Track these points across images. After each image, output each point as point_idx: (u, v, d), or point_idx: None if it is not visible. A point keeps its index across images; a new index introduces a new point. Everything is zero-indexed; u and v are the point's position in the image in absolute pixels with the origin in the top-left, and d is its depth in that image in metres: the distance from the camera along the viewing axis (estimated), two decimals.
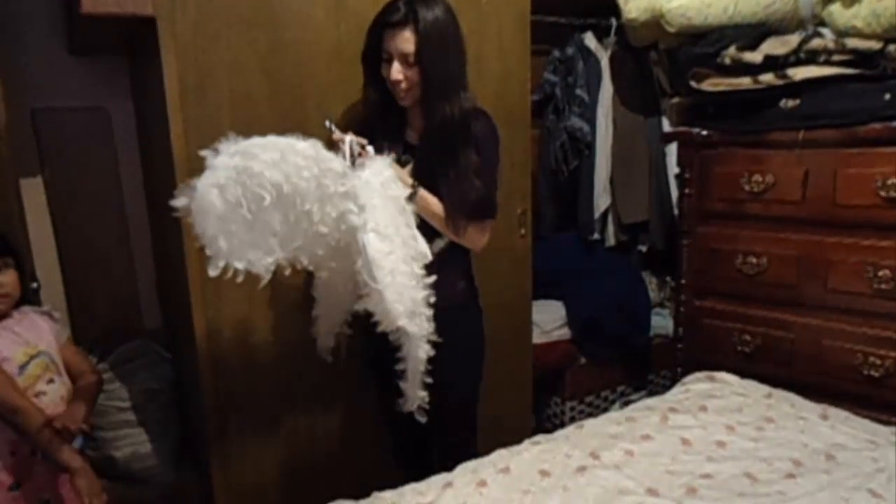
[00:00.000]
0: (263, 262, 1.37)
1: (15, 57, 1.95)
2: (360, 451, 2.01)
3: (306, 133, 1.71)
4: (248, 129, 1.65)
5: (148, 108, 1.92)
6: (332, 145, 1.51)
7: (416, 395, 1.57)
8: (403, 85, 1.56)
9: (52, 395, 1.65)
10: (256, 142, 1.34)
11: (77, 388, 1.74)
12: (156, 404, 2.19)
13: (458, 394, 1.78)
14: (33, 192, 2.07)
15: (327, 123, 1.57)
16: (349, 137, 1.53)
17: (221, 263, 1.34)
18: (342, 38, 1.76)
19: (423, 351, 1.52)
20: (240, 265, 1.35)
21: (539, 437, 1.66)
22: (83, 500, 1.59)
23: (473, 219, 1.64)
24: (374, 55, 1.59)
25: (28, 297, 1.76)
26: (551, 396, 2.82)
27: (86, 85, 2.11)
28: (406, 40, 1.51)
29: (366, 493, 1.43)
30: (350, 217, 1.42)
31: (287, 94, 1.73)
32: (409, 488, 1.46)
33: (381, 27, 1.55)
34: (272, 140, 1.36)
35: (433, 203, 1.61)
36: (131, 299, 2.33)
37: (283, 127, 1.68)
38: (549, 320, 2.70)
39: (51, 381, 1.66)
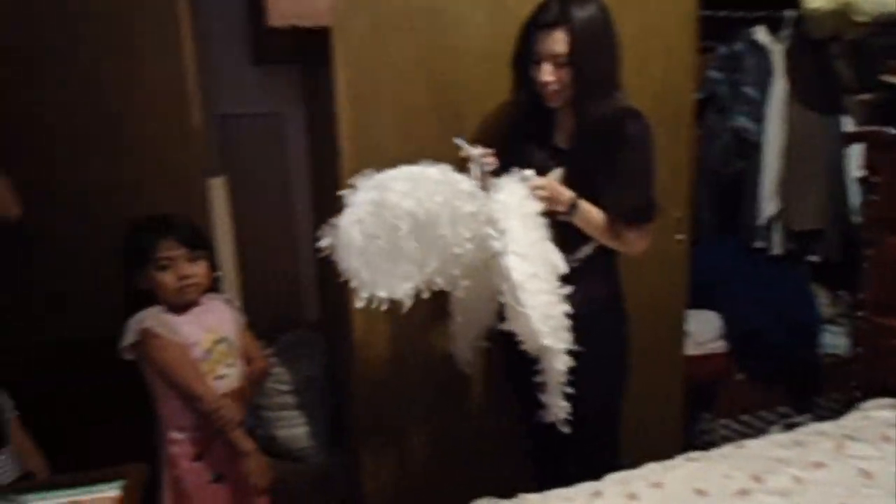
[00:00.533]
0: (402, 287, 1.42)
1: (209, 68, 2.16)
2: (503, 454, 2.02)
3: (462, 133, 1.77)
4: (409, 133, 1.75)
5: (318, 112, 2.06)
6: (464, 162, 1.52)
7: (556, 406, 1.54)
8: (554, 87, 1.53)
9: (230, 378, 1.78)
10: (390, 174, 1.41)
11: (248, 373, 1.84)
12: (313, 391, 2.34)
13: (599, 402, 1.71)
14: (218, 191, 2.29)
15: (457, 141, 1.56)
16: (477, 152, 1.52)
17: (365, 294, 1.41)
18: (499, 40, 1.76)
19: (563, 363, 1.48)
20: (382, 294, 1.41)
21: (695, 454, 1.58)
22: (250, 480, 1.75)
23: (633, 223, 1.58)
24: (525, 57, 1.57)
25: (215, 286, 1.94)
26: (702, 412, 2.66)
27: (265, 92, 2.30)
28: (558, 41, 1.48)
29: (507, 496, 1.43)
30: (491, 243, 1.42)
31: (446, 97, 1.78)
32: (556, 493, 1.44)
33: (533, 28, 1.53)
34: (404, 170, 1.42)
35: (593, 213, 1.56)
36: (295, 292, 2.51)
37: (442, 130, 1.76)
38: (704, 331, 2.55)
39: (230, 364, 1.80)
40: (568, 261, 1.52)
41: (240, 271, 2.42)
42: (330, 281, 2.27)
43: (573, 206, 1.53)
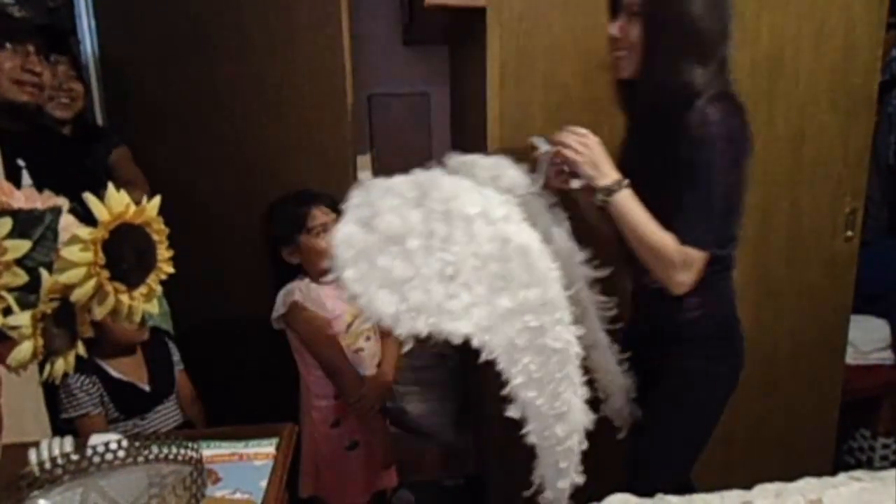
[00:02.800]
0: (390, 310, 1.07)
1: (361, 49, 2.23)
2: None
3: (613, 116, 1.69)
4: (558, 114, 1.71)
5: (465, 92, 2.06)
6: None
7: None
8: (620, 44, 1.25)
9: (368, 352, 1.86)
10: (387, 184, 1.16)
11: (385, 352, 1.89)
12: (444, 368, 2.37)
13: (667, 436, 1.46)
14: (363, 167, 2.36)
15: (532, 139, 1.34)
16: (546, 147, 1.30)
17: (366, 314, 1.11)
18: None
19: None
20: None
21: (859, 473, 1.43)
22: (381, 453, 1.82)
23: (687, 242, 1.22)
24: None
25: None
26: (858, 428, 2.43)
27: (413, 72, 2.34)
28: None
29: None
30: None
31: (597, 76, 1.71)
32: (700, 498, 1.37)
33: None
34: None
35: (636, 210, 1.23)
36: None
37: (593, 113, 1.70)
38: (868, 340, 2.32)
39: (368, 338, 1.87)
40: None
41: None
42: None
43: (616, 187, 1.23)
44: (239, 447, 1.21)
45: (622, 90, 1.37)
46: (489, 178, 1.24)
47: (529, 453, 1.91)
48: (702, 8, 1.18)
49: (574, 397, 1.21)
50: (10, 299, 0.68)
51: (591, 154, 1.24)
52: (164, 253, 0.83)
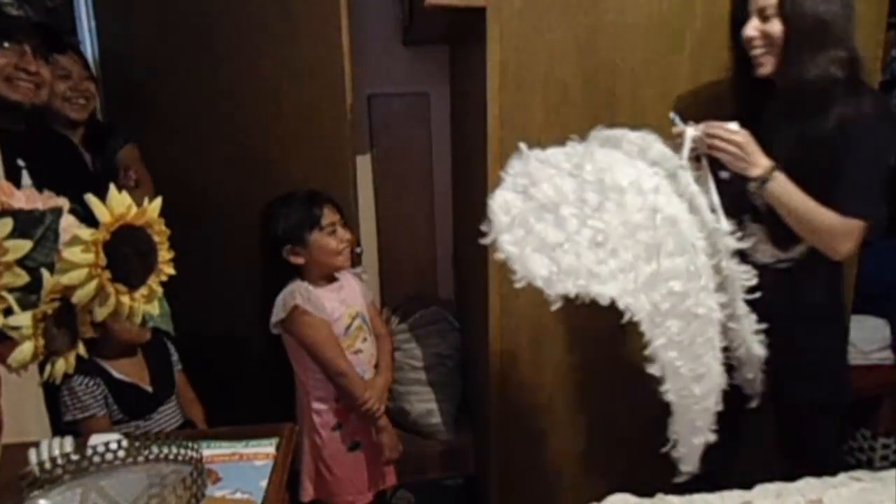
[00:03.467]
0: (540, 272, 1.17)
1: (360, 49, 2.22)
2: (642, 447, 1.95)
3: (613, 116, 1.69)
4: (558, 114, 1.71)
5: (465, 92, 2.06)
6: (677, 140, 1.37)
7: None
8: (757, 43, 1.36)
9: (366, 353, 1.85)
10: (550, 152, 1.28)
11: (381, 353, 1.90)
12: (443, 368, 2.37)
13: (805, 414, 1.57)
14: (363, 168, 2.36)
15: (672, 115, 1.42)
16: (691, 131, 1.36)
17: (520, 277, 1.19)
18: (663, 19, 1.68)
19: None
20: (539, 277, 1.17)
21: (859, 473, 1.43)
22: (384, 451, 1.81)
23: (848, 213, 1.33)
24: (737, 18, 1.42)
25: (355, 259, 2.02)
26: (858, 428, 2.43)
27: (413, 72, 2.34)
28: None
29: (642, 492, 1.38)
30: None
31: (598, 77, 1.71)
32: (701, 497, 1.37)
33: None
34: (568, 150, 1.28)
35: (792, 191, 1.33)
36: (430, 270, 2.55)
37: (592, 112, 1.70)
38: (868, 340, 2.32)
39: (364, 339, 1.87)
40: (776, 260, 1.39)
41: (379, 247, 2.49)
42: (466, 260, 2.30)
43: (769, 174, 1.33)
44: (239, 447, 1.21)
45: (745, 85, 1.47)
46: (637, 152, 1.29)
47: (530, 455, 1.93)
48: (832, 5, 1.30)
49: (713, 361, 1.28)
50: (11, 300, 0.68)
51: (741, 151, 1.33)
52: (164, 254, 0.83)
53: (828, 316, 1.52)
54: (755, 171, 1.34)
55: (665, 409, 1.88)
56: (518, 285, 1.21)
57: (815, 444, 1.60)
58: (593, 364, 1.88)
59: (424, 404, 2.33)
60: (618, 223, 1.16)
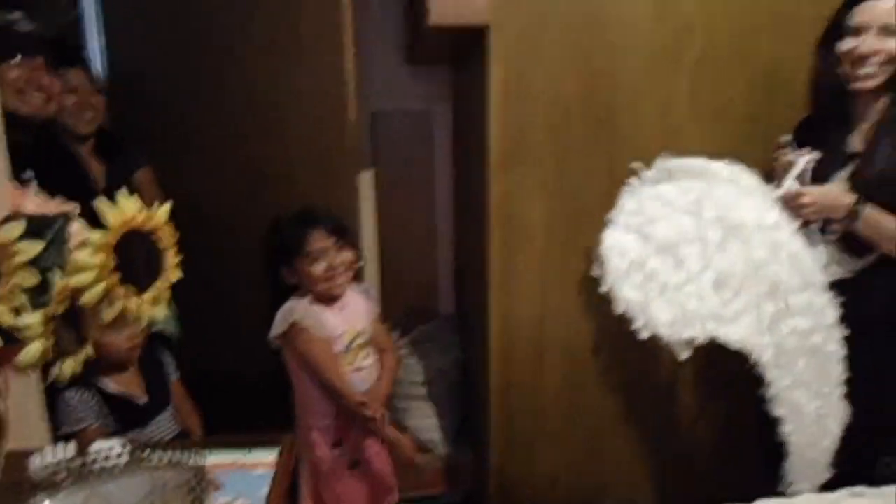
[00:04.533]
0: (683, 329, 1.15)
1: (365, 68, 2.26)
2: (641, 464, 1.95)
3: (613, 133, 1.71)
4: (559, 131, 1.74)
5: (467, 110, 2.09)
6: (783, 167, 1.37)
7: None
8: (875, 60, 1.35)
9: (368, 370, 1.82)
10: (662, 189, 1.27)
11: (384, 367, 1.86)
12: (443, 383, 2.37)
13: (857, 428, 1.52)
14: (365, 184, 2.39)
15: (784, 140, 1.40)
16: (805, 158, 1.35)
17: (642, 324, 1.19)
18: (665, 37, 1.71)
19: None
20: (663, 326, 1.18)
21: (860, 489, 1.42)
22: (407, 453, 1.81)
23: None
24: (834, 33, 1.41)
25: (357, 275, 2.01)
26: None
27: (416, 91, 2.37)
28: (889, 9, 1.32)
29: None
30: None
31: (601, 96, 1.74)
32: None
33: None
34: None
35: (885, 219, 1.32)
36: (431, 286, 2.57)
37: (593, 130, 1.73)
38: None
39: (367, 357, 1.85)
40: (845, 268, 1.37)
41: (380, 262, 2.51)
42: (467, 276, 2.31)
43: (854, 213, 1.33)
44: (240, 456, 1.21)
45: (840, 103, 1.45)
46: (725, 182, 1.29)
47: (529, 471, 1.93)
48: None
49: (837, 399, 1.27)
50: (23, 300, 0.69)
51: (816, 208, 1.33)
52: (172, 259, 0.84)
53: (889, 326, 1.48)
54: (841, 214, 1.35)
55: (669, 424, 1.90)
56: (642, 336, 1.17)
57: (863, 454, 1.54)
58: (593, 381, 1.88)
59: (424, 419, 2.33)
60: (741, 262, 1.14)
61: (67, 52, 1.88)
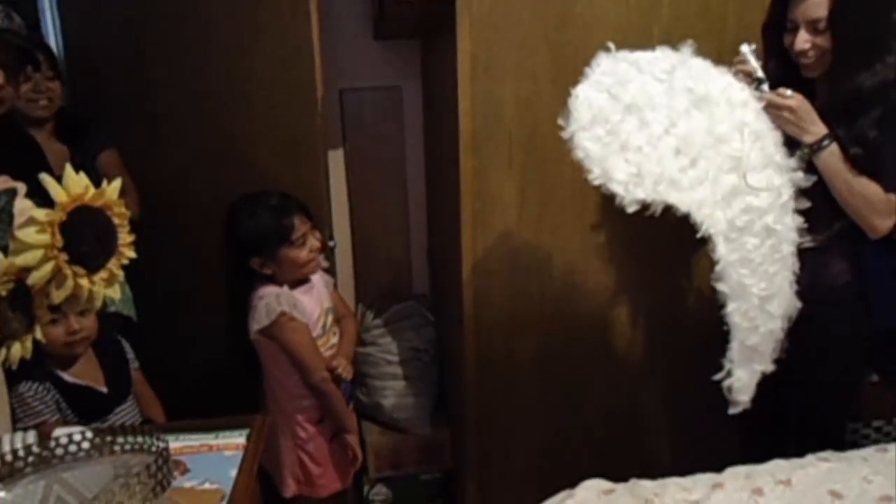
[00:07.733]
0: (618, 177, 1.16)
1: (332, 44, 2.21)
2: (615, 436, 1.97)
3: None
4: (529, 105, 1.72)
5: (437, 85, 2.06)
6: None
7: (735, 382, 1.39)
8: (810, 54, 1.40)
9: (336, 346, 1.85)
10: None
11: (345, 332, 1.89)
12: (419, 362, 2.37)
13: (820, 396, 1.60)
14: (336, 163, 2.35)
15: (744, 49, 1.42)
16: (746, 47, 1.39)
17: (596, 175, 1.20)
18: (632, 10, 1.69)
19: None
20: (617, 180, 1.19)
21: (826, 454, 1.46)
22: (351, 453, 1.84)
23: (889, 191, 1.37)
24: (777, 24, 1.45)
25: (327, 254, 2.00)
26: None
27: (385, 66, 2.33)
28: (816, 5, 1.36)
29: (616, 479, 1.39)
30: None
31: (569, 68, 1.70)
32: (673, 482, 1.38)
33: None
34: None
35: (842, 163, 1.36)
36: (405, 265, 2.55)
37: (561, 101, 1.70)
38: None
39: (335, 333, 1.86)
40: (809, 237, 1.39)
41: (352, 242, 2.48)
42: (441, 255, 2.30)
43: (821, 143, 1.35)
44: (209, 439, 1.20)
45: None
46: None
47: (507, 447, 1.94)
48: (876, 16, 1.36)
49: (785, 282, 1.29)
50: None
51: (793, 115, 1.35)
52: (125, 237, 0.82)
53: (852, 298, 1.53)
54: (809, 138, 1.37)
55: (640, 396, 1.92)
56: (594, 183, 1.19)
57: (829, 422, 1.63)
58: (568, 358, 1.89)
59: (400, 399, 2.33)
60: (703, 133, 1.16)
61: (27, 53, 1.81)
